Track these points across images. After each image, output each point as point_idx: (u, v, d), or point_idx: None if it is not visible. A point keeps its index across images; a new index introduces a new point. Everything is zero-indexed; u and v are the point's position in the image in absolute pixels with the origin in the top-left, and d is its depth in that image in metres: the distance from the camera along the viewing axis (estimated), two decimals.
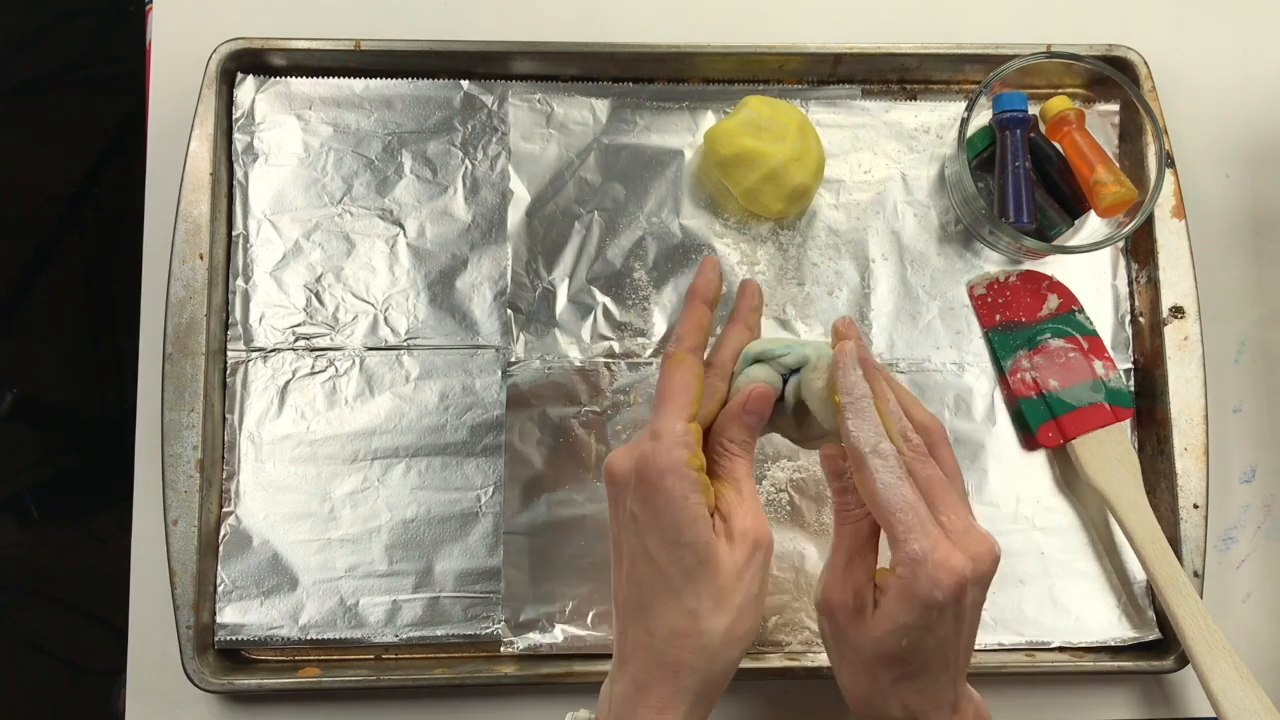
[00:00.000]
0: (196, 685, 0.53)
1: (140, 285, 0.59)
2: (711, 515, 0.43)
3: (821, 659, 0.55)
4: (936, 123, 0.61)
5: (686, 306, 0.49)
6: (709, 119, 0.60)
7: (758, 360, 0.48)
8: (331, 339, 0.57)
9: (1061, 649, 0.56)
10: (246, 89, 0.59)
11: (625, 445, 0.46)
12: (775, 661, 0.55)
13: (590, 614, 0.55)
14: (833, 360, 0.45)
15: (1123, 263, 0.60)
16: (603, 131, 0.59)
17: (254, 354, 0.57)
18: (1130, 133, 0.59)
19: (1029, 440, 0.58)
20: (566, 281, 0.58)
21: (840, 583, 0.43)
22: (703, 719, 0.43)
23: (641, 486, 0.43)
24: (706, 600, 0.42)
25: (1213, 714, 0.51)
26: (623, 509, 0.44)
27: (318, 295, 0.57)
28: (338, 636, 0.55)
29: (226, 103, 0.58)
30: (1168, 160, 0.57)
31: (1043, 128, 0.58)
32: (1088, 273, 0.60)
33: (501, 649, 0.54)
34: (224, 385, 0.56)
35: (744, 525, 0.43)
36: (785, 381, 0.48)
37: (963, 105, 0.56)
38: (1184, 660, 0.55)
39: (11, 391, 0.84)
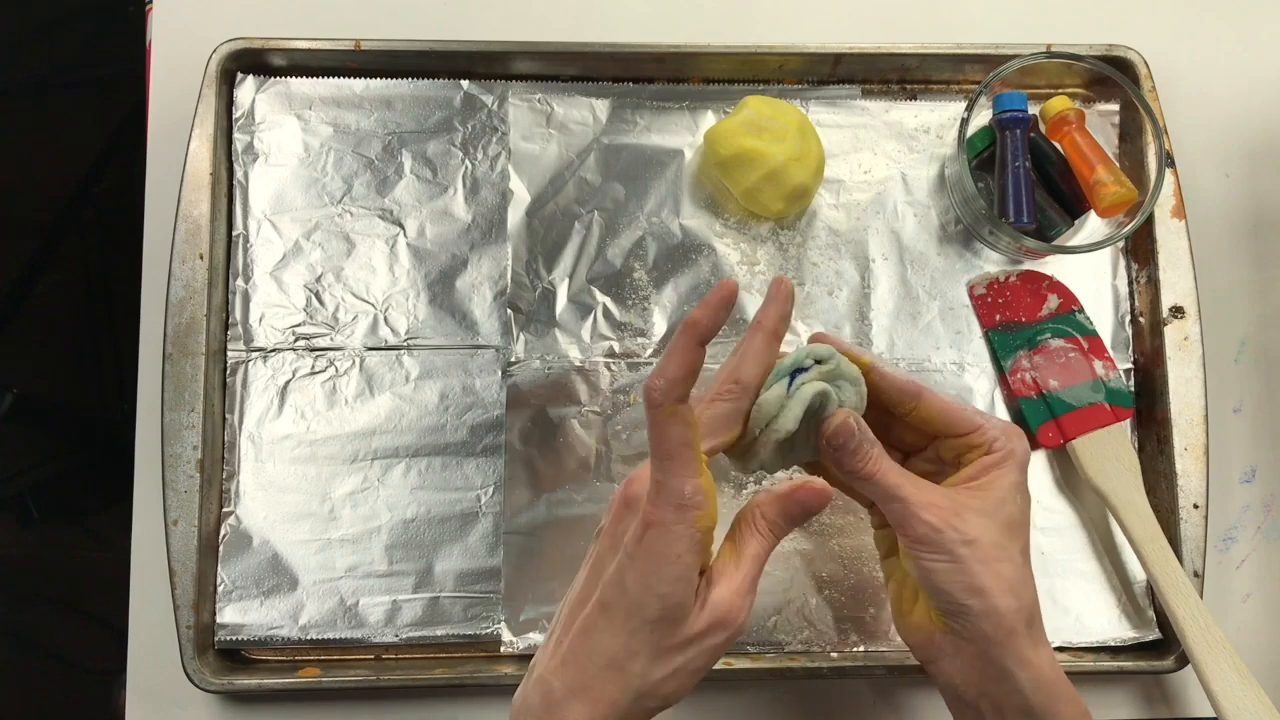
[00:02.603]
0: (196, 685, 0.53)
1: (140, 285, 0.59)
2: (700, 575, 0.41)
3: (821, 659, 0.55)
4: (936, 123, 0.61)
5: (681, 341, 0.40)
6: (709, 119, 0.60)
7: (795, 374, 0.44)
8: (331, 339, 0.57)
9: (1061, 649, 0.56)
10: (246, 89, 0.59)
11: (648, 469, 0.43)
12: (775, 662, 0.55)
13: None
14: (830, 350, 0.45)
15: (1123, 263, 0.60)
16: (603, 131, 0.59)
17: (254, 354, 0.57)
18: (1130, 133, 0.59)
19: (1029, 440, 0.58)
20: (566, 281, 0.58)
21: (927, 491, 0.43)
22: None
23: (641, 528, 0.41)
24: (648, 650, 0.41)
25: (1213, 714, 0.51)
26: (620, 528, 0.42)
27: (318, 295, 0.57)
28: (338, 636, 0.55)
29: (226, 103, 0.58)
30: (1168, 160, 0.57)
31: (1043, 128, 0.58)
32: (1088, 273, 0.60)
33: (501, 649, 0.54)
34: (224, 385, 0.56)
35: (720, 600, 0.41)
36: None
37: (963, 105, 0.56)
38: (1184, 660, 0.55)
39: (11, 391, 0.84)
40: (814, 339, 0.47)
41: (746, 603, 0.41)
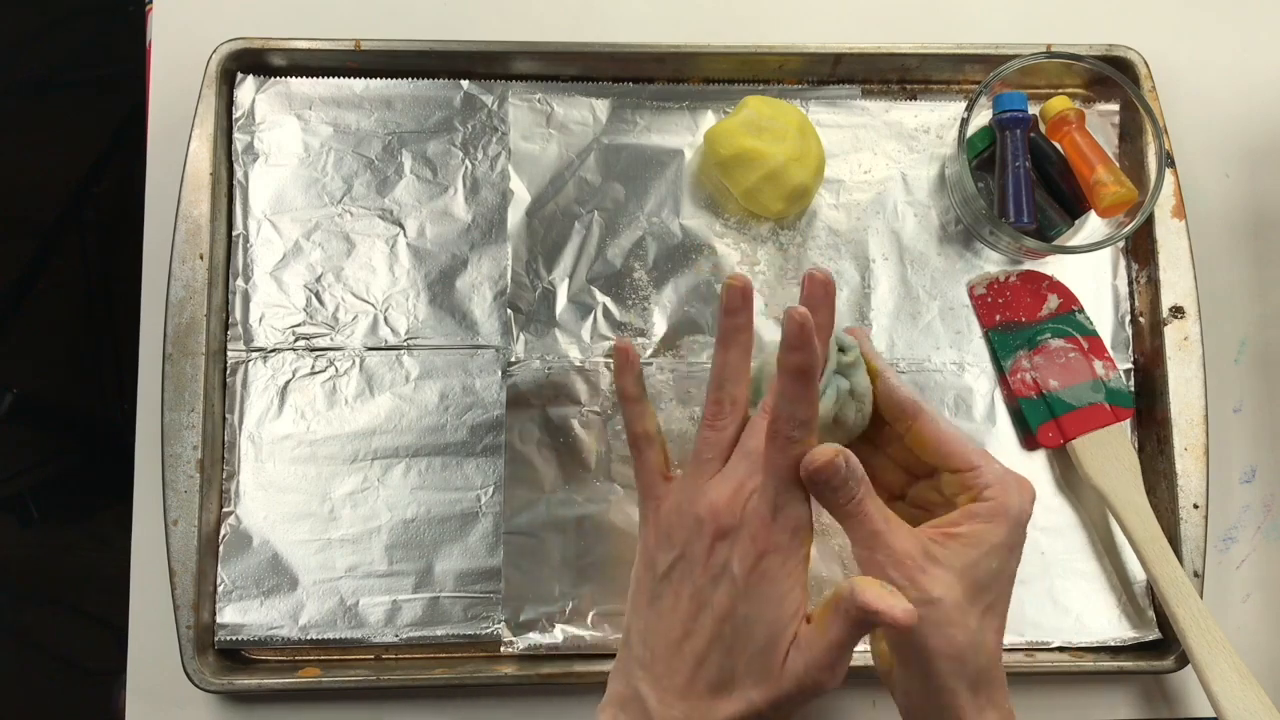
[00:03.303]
0: (196, 685, 0.53)
1: (140, 285, 0.59)
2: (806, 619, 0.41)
3: None
4: (936, 123, 0.61)
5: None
6: (709, 119, 0.60)
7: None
8: (331, 339, 0.57)
9: (1061, 649, 0.56)
10: (246, 89, 0.59)
11: (726, 481, 0.43)
12: None
13: (590, 614, 0.55)
14: (855, 341, 0.46)
15: (1123, 263, 0.60)
16: (603, 131, 0.59)
17: (254, 354, 0.57)
18: (1130, 133, 0.59)
19: (1029, 440, 0.58)
20: (566, 281, 0.58)
21: (901, 540, 0.41)
22: None
23: (756, 556, 0.40)
24: (755, 675, 0.40)
25: (1213, 714, 0.51)
26: (717, 556, 0.42)
27: (318, 295, 0.57)
28: (338, 636, 0.55)
29: (226, 103, 0.58)
30: (1168, 160, 0.57)
31: (1043, 128, 0.58)
32: (1088, 273, 0.60)
33: (501, 649, 0.54)
34: (224, 385, 0.56)
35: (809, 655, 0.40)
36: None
37: (963, 105, 0.56)
38: (1184, 660, 0.55)
39: (11, 391, 0.84)
40: (846, 331, 0.47)
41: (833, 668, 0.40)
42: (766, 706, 0.40)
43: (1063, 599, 0.56)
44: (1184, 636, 0.52)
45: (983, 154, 0.58)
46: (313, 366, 0.57)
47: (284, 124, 0.59)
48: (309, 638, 0.55)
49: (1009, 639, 0.55)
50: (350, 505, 0.56)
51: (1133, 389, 0.59)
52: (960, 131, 0.56)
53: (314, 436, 0.56)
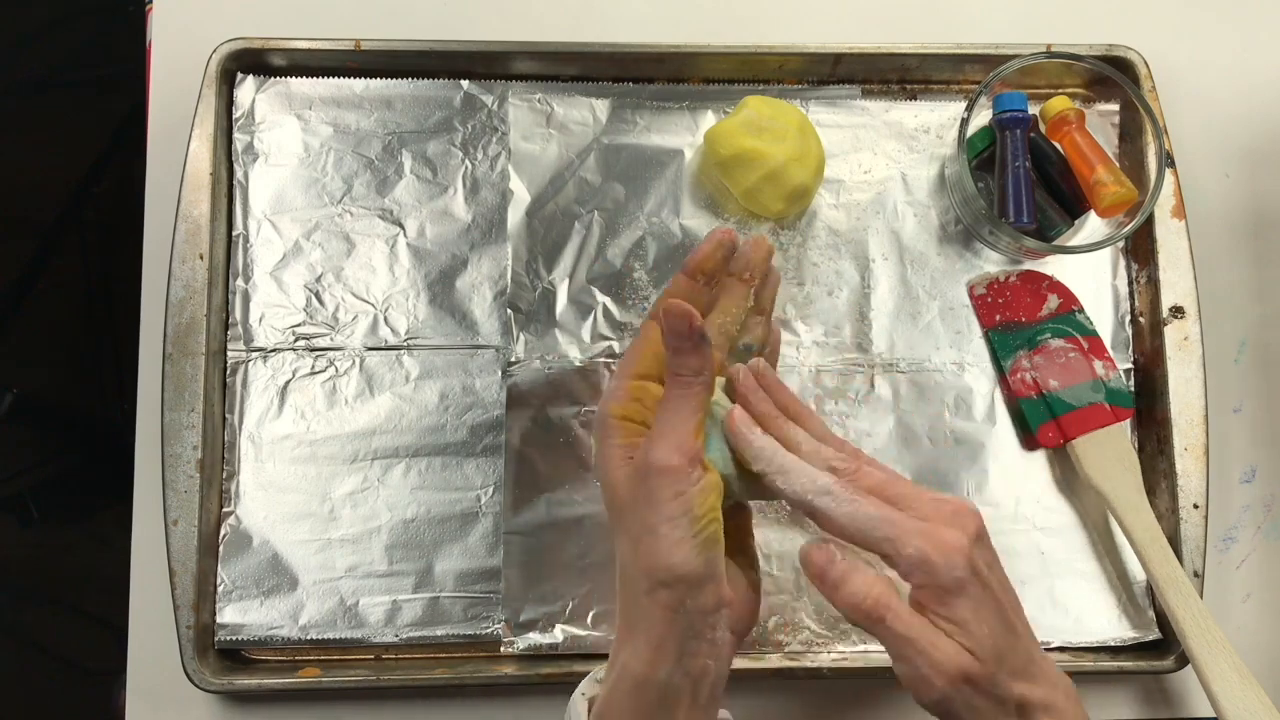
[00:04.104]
0: (196, 685, 0.53)
1: (140, 285, 0.59)
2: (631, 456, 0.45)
3: (822, 658, 0.55)
4: (936, 123, 0.61)
5: (673, 276, 0.51)
6: (709, 119, 0.60)
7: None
8: (331, 339, 0.57)
9: (1061, 649, 0.56)
10: (246, 89, 0.59)
11: None
12: (775, 662, 0.55)
13: (590, 614, 0.55)
14: (728, 432, 0.45)
15: (1123, 263, 0.60)
16: (603, 131, 0.59)
17: (254, 354, 0.57)
18: (1130, 133, 0.59)
19: (1029, 440, 0.58)
20: (566, 281, 0.58)
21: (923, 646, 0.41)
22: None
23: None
24: (620, 533, 0.44)
25: (1213, 714, 0.51)
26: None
27: (318, 295, 0.57)
28: (338, 636, 0.55)
29: (226, 103, 0.58)
30: (1168, 160, 0.57)
31: (1043, 128, 0.58)
32: (1088, 273, 0.60)
33: (501, 649, 0.54)
34: (224, 385, 0.56)
35: (643, 455, 0.43)
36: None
37: (963, 105, 0.56)
38: (1184, 660, 0.55)
39: (11, 391, 0.84)
40: (736, 372, 0.48)
41: (678, 446, 0.43)
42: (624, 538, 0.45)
43: (1063, 599, 0.56)
44: (1184, 636, 0.52)
45: (983, 154, 0.58)
46: (313, 366, 0.57)
47: (284, 124, 0.59)
48: (309, 638, 0.55)
49: None
50: (350, 505, 0.56)
51: (1133, 389, 0.59)
52: (960, 131, 0.56)
53: (314, 436, 0.56)
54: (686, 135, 0.60)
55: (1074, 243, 0.58)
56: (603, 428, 0.46)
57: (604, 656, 0.54)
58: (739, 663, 0.54)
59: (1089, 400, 0.57)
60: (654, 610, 0.42)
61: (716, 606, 0.42)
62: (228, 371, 0.57)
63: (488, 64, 0.59)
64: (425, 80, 0.59)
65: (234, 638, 0.54)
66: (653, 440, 0.43)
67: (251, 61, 0.59)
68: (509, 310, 0.57)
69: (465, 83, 0.59)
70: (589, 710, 0.45)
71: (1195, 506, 0.56)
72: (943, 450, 0.57)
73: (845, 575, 0.42)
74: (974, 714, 0.41)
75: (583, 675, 0.54)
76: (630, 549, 0.43)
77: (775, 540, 0.56)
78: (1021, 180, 0.56)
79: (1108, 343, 0.59)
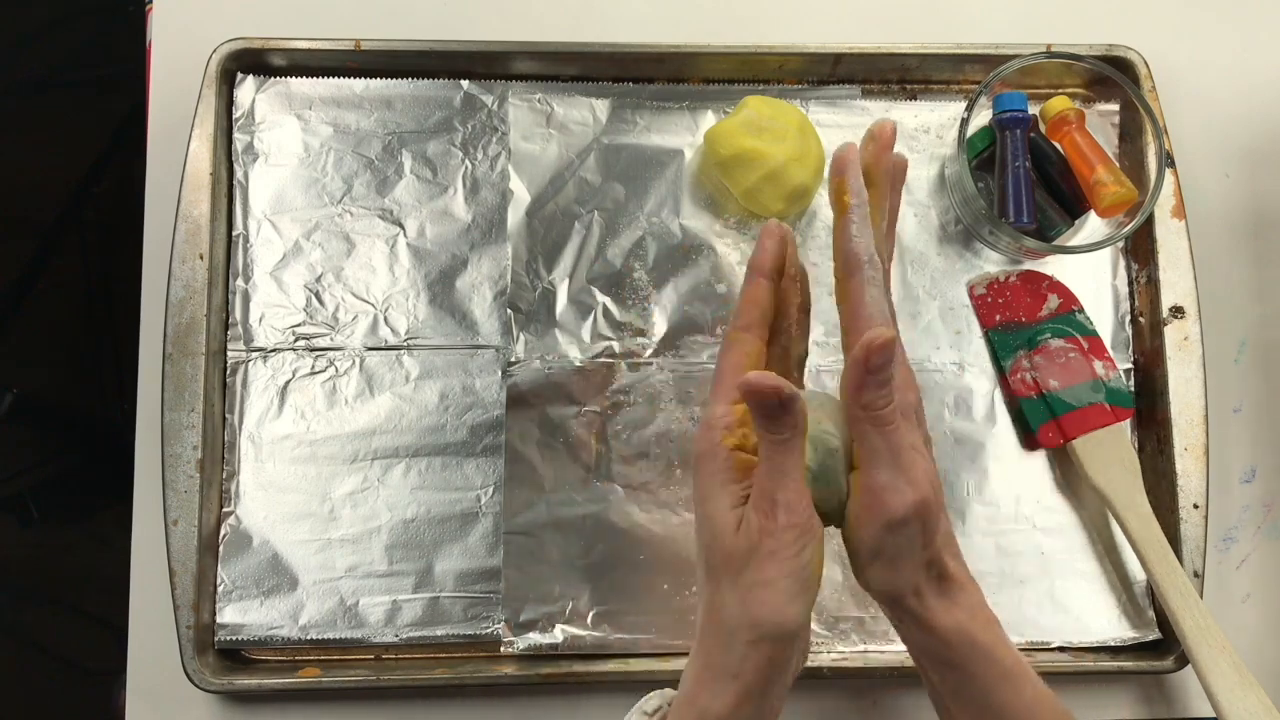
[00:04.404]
0: (196, 685, 0.53)
1: (140, 285, 0.59)
2: (744, 498, 0.42)
3: (822, 658, 0.55)
4: (936, 123, 0.61)
5: (744, 282, 0.45)
6: (709, 119, 0.60)
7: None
8: (331, 339, 0.57)
9: (1061, 649, 0.56)
10: (246, 89, 0.59)
11: None
12: None
13: (590, 614, 0.55)
14: (839, 157, 0.44)
15: (1123, 263, 0.60)
16: (603, 131, 0.59)
17: (254, 354, 0.57)
18: (1130, 133, 0.59)
19: (1029, 440, 0.58)
20: (566, 281, 0.58)
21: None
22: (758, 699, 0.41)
23: (693, 468, 0.43)
24: (723, 576, 0.41)
25: (1213, 714, 0.51)
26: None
27: (318, 295, 0.57)
28: (338, 636, 0.55)
29: (226, 103, 0.58)
30: (1168, 160, 0.57)
31: (1043, 128, 0.58)
32: (1088, 273, 0.60)
33: (501, 649, 0.54)
34: (224, 385, 0.56)
35: (762, 517, 0.40)
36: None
37: (963, 105, 0.56)
38: (1184, 660, 0.55)
39: (11, 391, 0.84)
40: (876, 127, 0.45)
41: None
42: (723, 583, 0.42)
43: (1063, 599, 0.56)
44: (1184, 636, 0.52)
45: (983, 154, 0.58)
46: (313, 366, 0.57)
47: (284, 124, 0.59)
48: (309, 638, 0.55)
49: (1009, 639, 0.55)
50: (350, 505, 0.56)
51: (1133, 389, 0.59)
52: (960, 131, 0.56)
53: (314, 436, 0.56)
54: (686, 135, 0.60)
55: (1074, 243, 0.58)
56: (710, 460, 0.42)
57: (604, 656, 0.54)
58: None
59: (1089, 400, 0.57)
60: (753, 659, 0.40)
61: (804, 653, 0.43)
62: (228, 371, 0.57)
63: (488, 64, 0.59)
64: (425, 80, 0.59)
65: (234, 638, 0.54)
66: (772, 504, 0.40)
67: (251, 61, 0.59)
68: (509, 310, 0.57)
69: (465, 83, 0.59)
70: None
71: (1195, 506, 0.56)
72: (943, 450, 0.57)
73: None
74: (904, 554, 0.40)
75: (583, 675, 0.54)
76: (736, 597, 0.41)
77: None
78: (1021, 180, 0.56)
79: (1108, 343, 0.59)
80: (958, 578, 0.42)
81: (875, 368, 0.39)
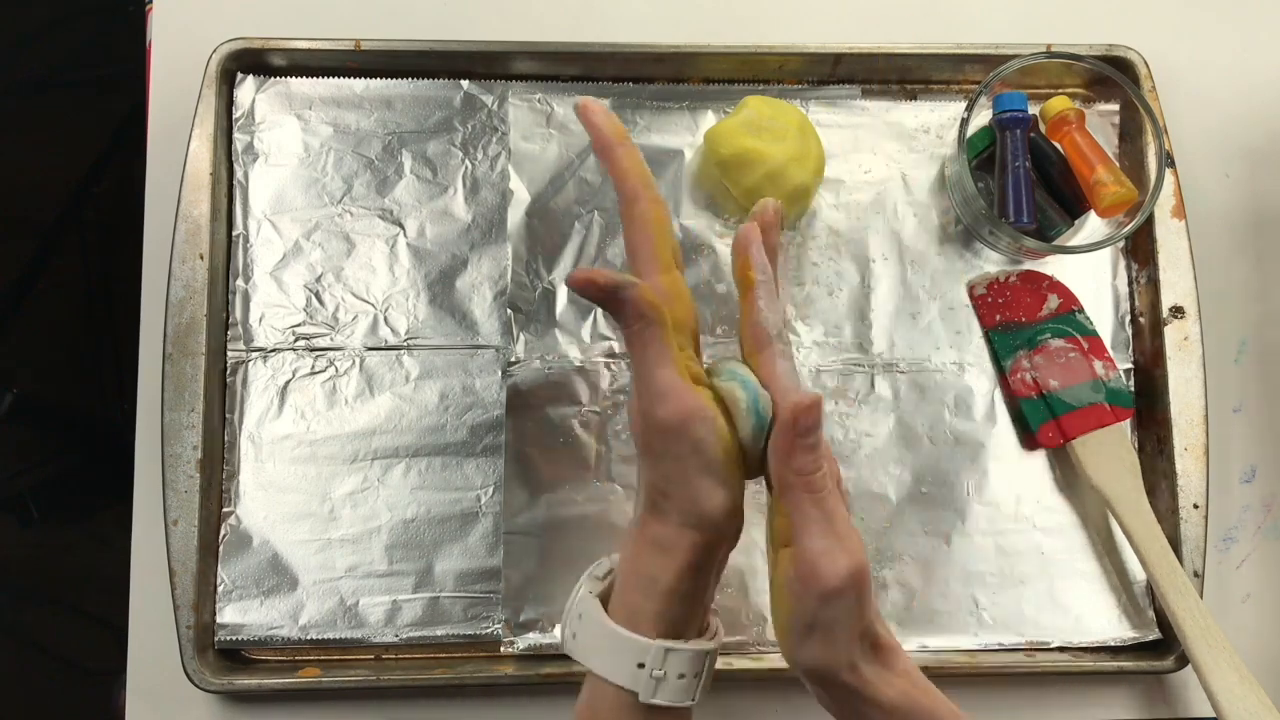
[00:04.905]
0: (196, 685, 0.53)
1: (140, 285, 0.59)
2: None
3: None
4: (936, 123, 0.61)
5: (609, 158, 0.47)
6: (709, 119, 0.60)
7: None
8: (331, 339, 0.57)
9: (1061, 649, 0.56)
10: (246, 89, 0.59)
11: None
12: (775, 662, 0.55)
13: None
14: (739, 237, 0.45)
15: (1123, 263, 0.60)
16: None
17: (254, 354, 0.57)
18: (1130, 133, 0.59)
19: (1029, 440, 0.58)
20: None
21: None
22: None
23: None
24: (648, 458, 0.43)
25: (1213, 714, 0.51)
26: None
27: (318, 295, 0.57)
28: (338, 636, 0.55)
29: (226, 103, 0.58)
30: (1168, 160, 0.57)
31: (1043, 128, 0.58)
32: (1088, 273, 0.60)
33: (501, 649, 0.54)
34: (224, 385, 0.56)
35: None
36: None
37: (963, 105, 0.56)
38: (1184, 660, 0.55)
39: (11, 391, 0.84)
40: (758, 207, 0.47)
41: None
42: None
43: (1063, 599, 0.56)
44: (1184, 636, 0.52)
45: (983, 154, 0.58)
46: (313, 366, 0.57)
47: (284, 124, 0.59)
48: (309, 638, 0.55)
49: (1009, 639, 0.56)
50: (350, 505, 0.56)
51: (1133, 389, 0.59)
52: (960, 131, 0.56)
53: (314, 436, 0.56)
54: (686, 135, 0.60)
55: (1074, 243, 0.58)
56: (649, 327, 0.41)
57: None
58: (740, 663, 0.54)
59: (1089, 400, 0.57)
60: (688, 538, 0.42)
61: (737, 530, 0.43)
62: (228, 371, 0.57)
63: (488, 64, 0.59)
64: (425, 80, 0.59)
65: (234, 638, 0.54)
66: (653, 397, 0.41)
67: (251, 61, 0.59)
68: (509, 310, 0.57)
69: (465, 83, 0.59)
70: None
71: (1195, 506, 0.56)
72: (943, 450, 0.57)
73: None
74: (840, 626, 0.39)
75: (582, 675, 0.54)
76: (662, 481, 0.42)
77: None
78: (1021, 180, 0.56)
79: (1108, 343, 0.59)
80: (889, 644, 0.42)
81: (804, 430, 0.39)
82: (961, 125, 0.56)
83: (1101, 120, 0.60)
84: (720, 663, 0.54)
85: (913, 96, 0.61)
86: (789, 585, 0.40)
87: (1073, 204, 0.57)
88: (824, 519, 0.39)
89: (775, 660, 0.55)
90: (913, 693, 0.41)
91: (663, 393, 0.41)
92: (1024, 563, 0.57)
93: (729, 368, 0.44)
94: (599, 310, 0.58)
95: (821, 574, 0.39)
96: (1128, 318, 0.59)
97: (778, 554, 0.41)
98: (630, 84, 0.60)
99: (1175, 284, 0.58)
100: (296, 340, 0.57)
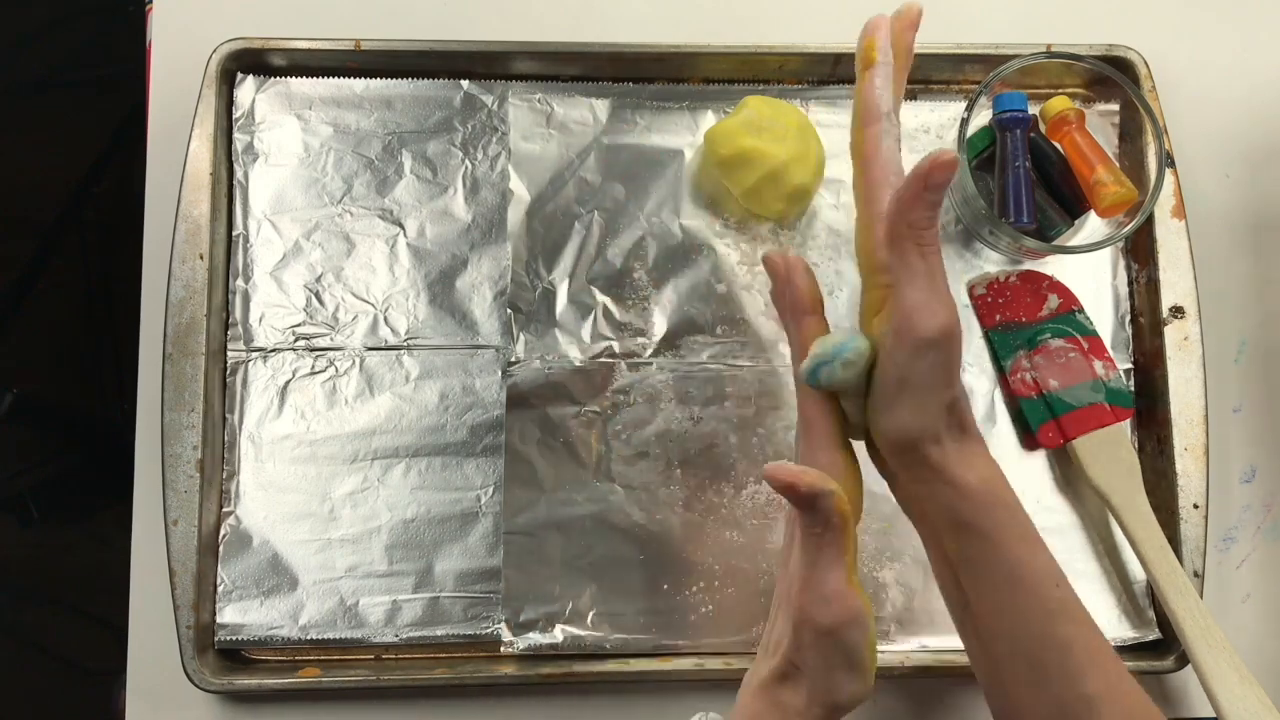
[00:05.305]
0: (196, 685, 0.53)
1: (140, 285, 0.59)
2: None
3: None
4: (936, 123, 0.61)
5: (792, 326, 0.45)
6: (709, 119, 0.60)
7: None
8: (331, 339, 0.57)
9: None
10: (246, 89, 0.59)
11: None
12: None
13: (590, 614, 0.55)
14: (871, 21, 0.45)
15: (1123, 263, 0.60)
16: (603, 131, 0.59)
17: (254, 354, 0.57)
18: (1130, 133, 0.59)
19: (1029, 440, 0.58)
20: (566, 281, 0.58)
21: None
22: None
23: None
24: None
25: (1213, 714, 0.51)
26: None
27: (318, 295, 0.57)
28: (338, 636, 0.55)
29: (226, 103, 0.58)
30: (1168, 160, 0.57)
31: (1043, 128, 0.58)
32: (1088, 273, 0.60)
33: (501, 649, 0.54)
34: (224, 385, 0.56)
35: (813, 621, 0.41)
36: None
37: (963, 105, 0.56)
38: (1184, 660, 0.55)
39: (11, 391, 0.84)
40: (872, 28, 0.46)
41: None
42: None
43: None
44: (1184, 636, 0.52)
45: (983, 154, 0.58)
46: (313, 366, 0.57)
47: (284, 124, 0.59)
48: (309, 638, 0.55)
49: None
50: (350, 505, 0.56)
51: (1133, 389, 0.59)
52: (960, 131, 0.56)
53: (314, 436, 0.56)
54: (686, 135, 0.60)
55: (1074, 243, 0.57)
56: (833, 533, 0.40)
57: (604, 656, 0.54)
58: (739, 663, 0.54)
59: (1089, 400, 0.57)
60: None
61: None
62: (228, 371, 0.57)
63: (488, 64, 0.59)
64: (425, 80, 0.59)
65: (234, 638, 0.54)
66: (812, 601, 0.41)
67: (251, 61, 0.59)
68: (509, 310, 0.57)
69: (465, 83, 0.59)
70: None
71: (1195, 506, 0.56)
72: None
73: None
74: (929, 387, 0.40)
75: (582, 675, 0.54)
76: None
77: (775, 543, 0.56)
78: (1021, 180, 0.56)
79: (1108, 343, 0.59)
80: (974, 432, 0.42)
81: (935, 185, 0.39)
82: (961, 125, 0.56)
83: (1101, 120, 0.59)
84: (720, 663, 0.54)
85: (912, 96, 0.61)
86: (883, 339, 0.40)
87: (1073, 204, 0.57)
88: (927, 273, 0.40)
89: None
90: (994, 482, 0.41)
91: (828, 598, 0.40)
92: None
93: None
94: (599, 310, 0.58)
95: (917, 324, 0.39)
96: (1128, 318, 0.59)
97: (871, 323, 0.42)
98: (630, 84, 0.60)
99: (1175, 284, 0.58)
100: (296, 340, 0.57)
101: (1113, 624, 0.56)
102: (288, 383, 0.57)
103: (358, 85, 0.59)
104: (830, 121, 0.60)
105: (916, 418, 0.40)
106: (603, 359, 0.57)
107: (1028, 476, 0.58)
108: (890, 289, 0.41)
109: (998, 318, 0.59)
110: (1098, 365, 0.58)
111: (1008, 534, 0.41)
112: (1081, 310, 0.59)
